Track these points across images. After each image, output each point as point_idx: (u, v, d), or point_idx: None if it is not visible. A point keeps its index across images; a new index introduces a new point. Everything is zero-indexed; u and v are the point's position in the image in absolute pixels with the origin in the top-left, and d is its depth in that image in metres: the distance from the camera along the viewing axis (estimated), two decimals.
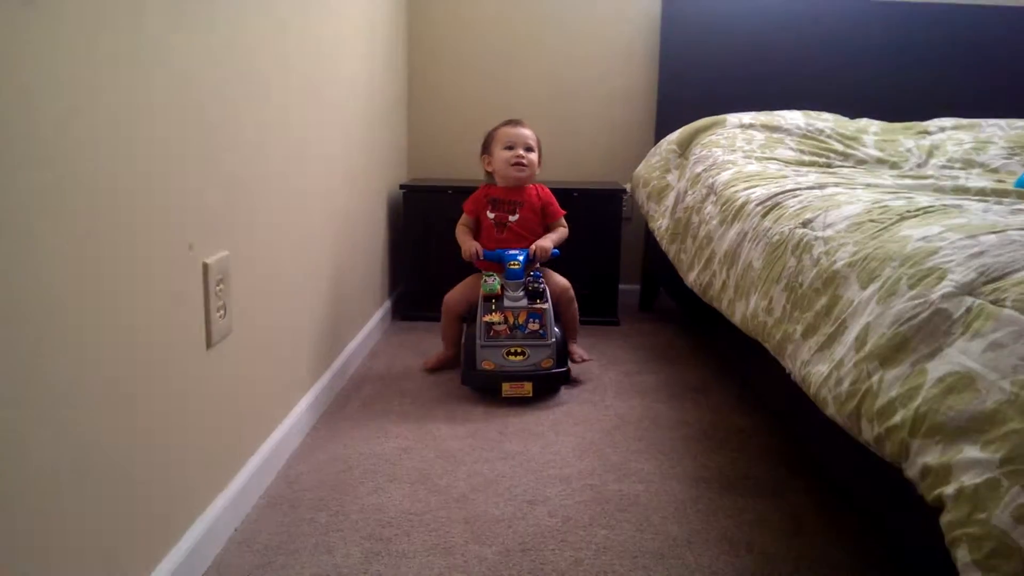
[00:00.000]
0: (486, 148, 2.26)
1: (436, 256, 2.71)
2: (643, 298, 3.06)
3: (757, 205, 1.66)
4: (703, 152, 2.35)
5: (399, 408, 1.97)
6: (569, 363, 2.14)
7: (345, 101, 2.12)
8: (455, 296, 2.24)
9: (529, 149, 2.20)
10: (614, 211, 2.77)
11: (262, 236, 1.48)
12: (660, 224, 2.40)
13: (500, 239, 2.21)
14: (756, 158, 2.25)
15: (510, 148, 2.18)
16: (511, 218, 2.22)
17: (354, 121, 2.22)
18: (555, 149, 3.05)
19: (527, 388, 1.97)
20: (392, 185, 2.81)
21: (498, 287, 2.06)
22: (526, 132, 2.21)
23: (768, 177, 1.89)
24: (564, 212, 2.28)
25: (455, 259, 2.30)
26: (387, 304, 2.75)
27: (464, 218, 2.30)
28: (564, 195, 2.64)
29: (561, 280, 2.25)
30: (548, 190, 2.29)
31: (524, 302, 2.05)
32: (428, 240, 2.74)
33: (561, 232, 2.27)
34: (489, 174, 2.26)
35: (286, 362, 1.67)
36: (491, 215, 2.22)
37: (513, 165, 2.18)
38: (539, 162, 2.24)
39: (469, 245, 2.20)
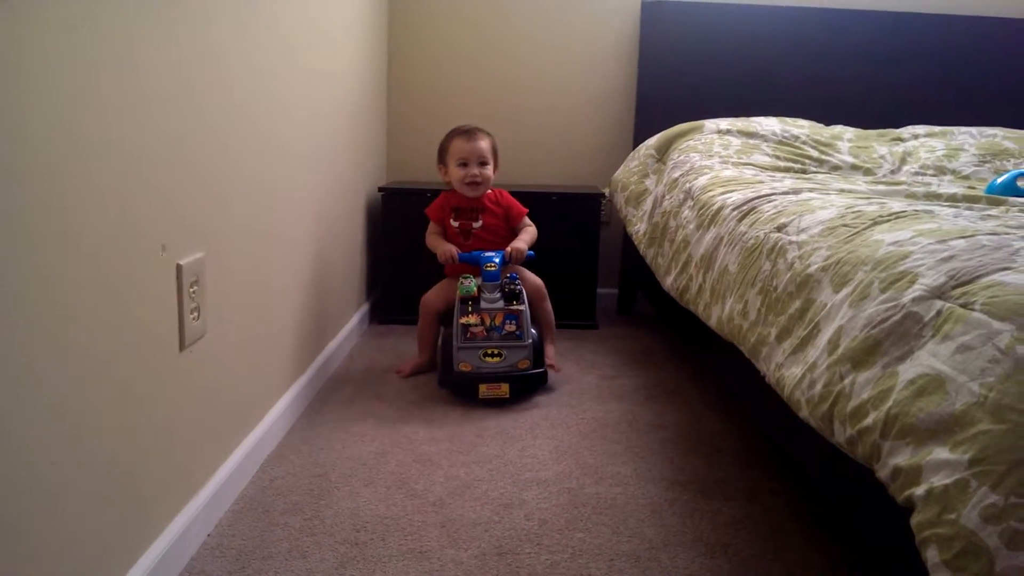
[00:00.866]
0: (441, 159, 2.27)
1: (414, 260, 2.68)
2: (621, 302, 3.05)
3: (733, 210, 1.65)
4: (681, 157, 2.34)
5: (376, 411, 1.95)
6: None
7: (324, 102, 2.10)
8: (433, 295, 2.24)
9: (483, 163, 2.21)
10: (593, 215, 2.76)
11: (238, 237, 1.46)
12: (638, 228, 2.38)
13: (467, 246, 2.23)
14: (733, 163, 2.25)
15: (463, 165, 2.19)
16: (475, 225, 2.24)
17: (333, 122, 2.20)
18: (535, 151, 3.04)
19: (504, 389, 1.97)
20: (371, 187, 2.79)
21: (475, 289, 2.07)
22: (480, 146, 2.20)
23: (744, 182, 1.88)
24: (526, 211, 2.30)
25: (434, 263, 2.29)
26: (365, 308, 2.72)
27: (432, 226, 2.31)
28: (542, 199, 2.65)
29: (534, 278, 2.25)
30: (506, 194, 2.31)
31: (501, 304, 2.05)
32: (406, 244, 2.71)
33: (531, 232, 2.28)
34: (449, 183, 2.29)
35: (262, 365, 1.65)
36: (455, 223, 2.24)
37: (467, 184, 2.20)
38: (496, 167, 2.25)
39: (445, 248, 2.20)
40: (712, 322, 1.58)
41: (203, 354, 1.31)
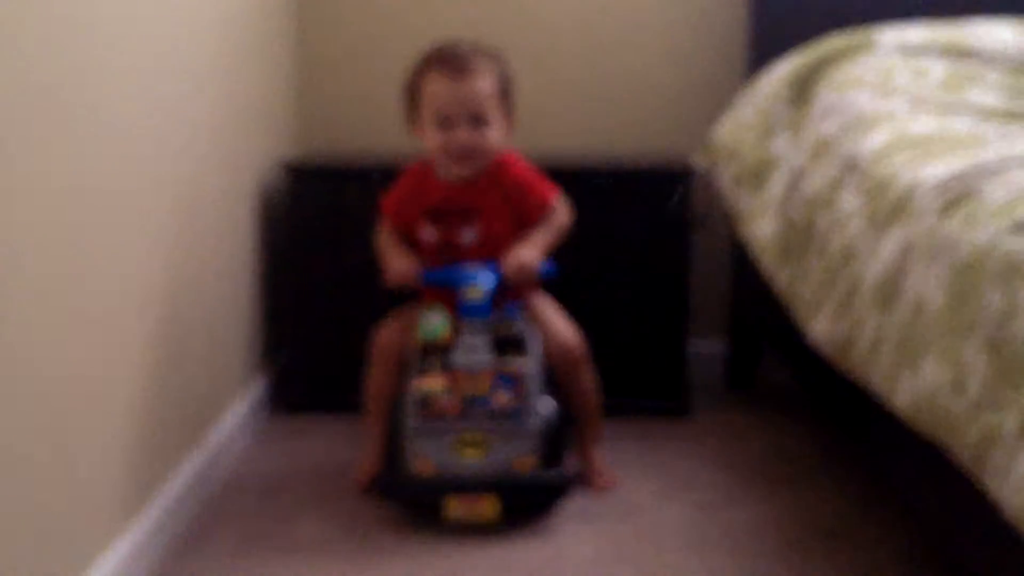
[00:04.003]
0: (411, 108, 1.67)
1: (351, 291, 1.96)
2: (735, 366, 2.37)
3: (933, 193, 1.40)
4: (836, 97, 1.84)
5: None
6: (587, 476, 1.69)
7: (170, 19, 1.55)
8: (393, 332, 1.71)
9: (479, 120, 1.63)
10: (676, 208, 2.09)
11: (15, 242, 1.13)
12: (760, 229, 1.88)
13: None
14: (933, 107, 1.76)
15: (445, 124, 1.63)
16: (466, 237, 1.71)
17: (186, 53, 1.62)
18: (567, 100, 2.29)
19: (487, 507, 1.60)
20: (264, 164, 2.01)
21: (443, 331, 1.64)
22: (474, 89, 1.61)
23: (953, 142, 1.57)
24: (554, 192, 1.73)
25: (388, 294, 1.74)
26: (259, 386, 2.00)
27: (388, 225, 1.77)
28: (578, 180, 1.95)
29: (562, 330, 1.71)
30: (520, 162, 1.72)
31: (488, 357, 1.64)
32: (336, 263, 1.97)
33: (554, 224, 1.73)
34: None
35: (65, 499, 1.24)
36: (429, 232, 1.71)
37: (452, 157, 1.66)
38: (510, 120, 1.67)
39: (400, 263, 1.68)
40: (899, 401, 1.33)
41: None
